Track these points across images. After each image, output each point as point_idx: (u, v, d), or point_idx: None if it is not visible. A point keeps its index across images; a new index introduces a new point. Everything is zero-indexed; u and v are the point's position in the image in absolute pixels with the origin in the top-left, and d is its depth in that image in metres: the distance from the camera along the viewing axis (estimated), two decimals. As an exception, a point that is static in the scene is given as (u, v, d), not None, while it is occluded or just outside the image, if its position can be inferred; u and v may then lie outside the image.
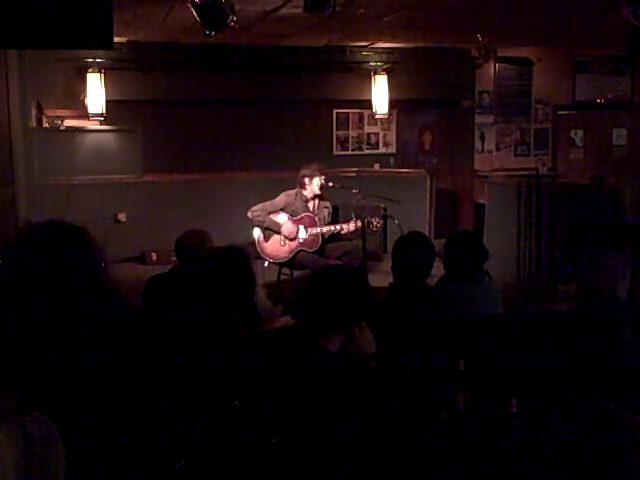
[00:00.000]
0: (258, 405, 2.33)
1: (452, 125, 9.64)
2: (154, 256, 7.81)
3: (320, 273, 2.67)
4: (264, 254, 6.36)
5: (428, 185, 8.37)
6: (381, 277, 3.77)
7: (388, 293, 3.51)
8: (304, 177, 6.33)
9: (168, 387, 2.13)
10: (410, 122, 9.60)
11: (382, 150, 9.48)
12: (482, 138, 9.50)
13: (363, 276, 2.82)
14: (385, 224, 6.59)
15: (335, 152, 9.24)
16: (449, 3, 5.92)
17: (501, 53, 9.10)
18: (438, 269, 3.88)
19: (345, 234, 6.46)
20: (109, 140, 8.07)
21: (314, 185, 6.32)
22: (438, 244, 3.79)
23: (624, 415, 1.50)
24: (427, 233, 8.07)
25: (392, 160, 9.48)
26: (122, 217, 7.98)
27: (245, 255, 3.43)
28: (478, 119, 9.45)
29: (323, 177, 6.31)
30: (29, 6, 3.73)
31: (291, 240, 6.31)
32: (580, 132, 9.82)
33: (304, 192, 6.38)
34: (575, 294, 3.10)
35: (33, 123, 7.78)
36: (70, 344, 1.93)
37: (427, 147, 9.76)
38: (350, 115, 9.30)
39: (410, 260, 3.44)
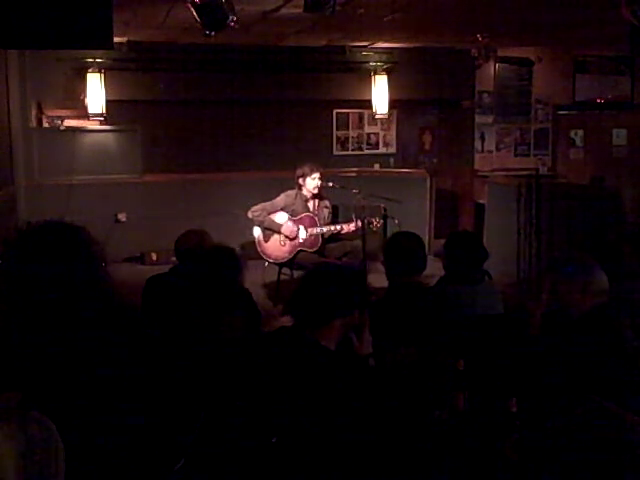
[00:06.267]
0: (258, 405, 2.33)
1: (452, 125, 9.64)
2: (154, 256, 7.82)
3: (312, 269, 2.70)
4: (264, 254, 6.36)
5: (428, 185, 8.37)
6: (381, 277, 3.77)
7: (388, 293, 3.51)
8: (298, 177, 6.36)
9: (168, 387, 2.13)
10: (410, 122, 9.60)
11: (382, 150, 9.48)
12: (482, 138, 9.49)
13: (354, 271, 2.84)
14: (385, 224, 6.58)
15: (335, 152, 9.24)
16: (449, 3, 5.91)
17: (501, 53, 9.08)
18: (438, 269, 3.88)
19: (345, 234, 6.46)
20: (109, 140, 8.07)
21: (309, 185, 6.33)
22: (438, 244, 3.81)
23: (624, 415, 1.50)
24: (427, 233, 8.08)
25: (392, 160, 9.48)
26: (122, 217, 7.98)
27: (236, 254, 3.45)
28: (478, 119, 9.44)
29: (318, 175, 6.32)
30: (29, 6, 3.73)
31: (292, 240, 6.31)
32: (580, 132, 9.81)
33: (302, 192, 6.39)
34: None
35: (33, 123, 7.78)
36: (70, 344, 1.93)
37: (427, 147, 9.76)
38: (350, 115, 9.29)
39: (401, 251, 3.45)
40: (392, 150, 9.52)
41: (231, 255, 3.41)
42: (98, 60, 7.68)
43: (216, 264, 3.31)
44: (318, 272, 2.65)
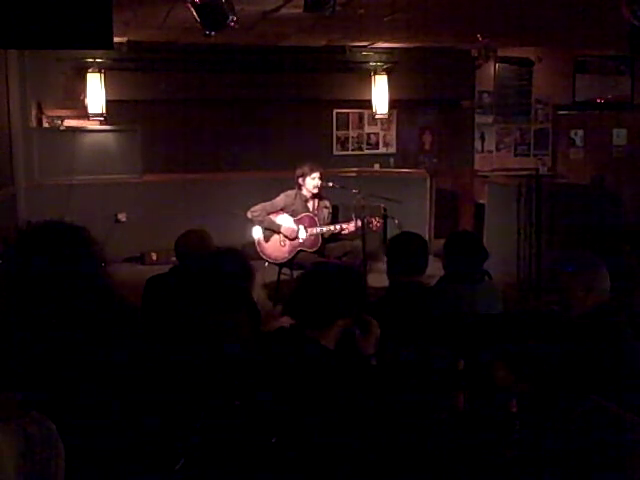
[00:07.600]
0: (258, 405, 2.33)
1: (452, 125, 9.63)
2: (154, 256, 7.82)
3: (310, 269, 2.69)
4: (264, 255, 6.35)
5: (428, 185, 8.37)
6: (381, 277, 3.77)
7: (388, 292, 3.51)
8: (298, 177, 6.36)
9: (168, 387, 2.13)
10: (410, 122, 9.60)
11: (382, 150, 9.48)
12: (482, 138, 9.50)
13: (354, 271, 2.84)
14: (385, 224, 6.58)
15: (335, 152, 9.24)
16: (449, 3, 5.91)
17: (501, 53, 9.10)
18: (438, 269, 3.88)
19: (345, 234, 6.46)
20: (109, 140, 8.07)
21: (309, 185, 6.33)
22: (438, 244, 3.80)
23: (624, 415, 1.50)
24: (427, 233, 8.07)
25: (392, 160, 9.48)
26: (122, 217, 7.98)
27: (244, 255, 3.44)
28: (478, 119, 9.45)
29: (317, 175, 6.31)
30: (29, 6, 3.73)
31: (291, 240, 6.31)
32: (580, 132, 9.82)
33: (302, 192, 6.39)
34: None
35: (33, 123, 7.78)
36: (70, 344, 1.93)
37: (427, 147, 9.75)
38: (350, 115, 9.29)
39: (404, 251, 3.45)
40: (392, 150, 9.52)
41: (240, 259, 3.39)
42: (98, 60, 7.69)
43: (223, 267, 3.29)
44: (317, 272, 2.64)
